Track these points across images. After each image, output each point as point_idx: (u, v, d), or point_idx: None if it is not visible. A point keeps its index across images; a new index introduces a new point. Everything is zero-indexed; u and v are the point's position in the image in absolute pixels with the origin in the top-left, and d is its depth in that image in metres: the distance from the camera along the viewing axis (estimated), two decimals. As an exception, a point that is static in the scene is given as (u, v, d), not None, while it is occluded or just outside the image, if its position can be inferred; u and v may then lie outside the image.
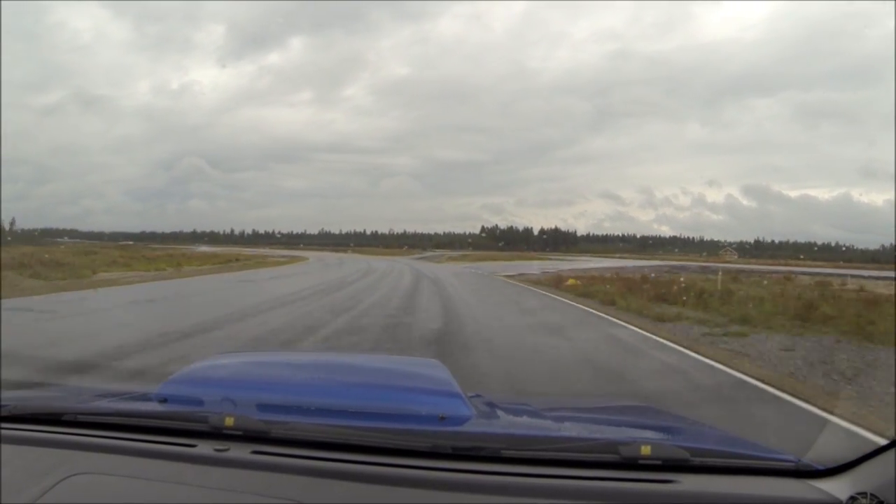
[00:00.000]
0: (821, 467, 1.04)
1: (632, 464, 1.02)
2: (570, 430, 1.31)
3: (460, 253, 51.86)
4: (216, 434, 1.12)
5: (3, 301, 9.76)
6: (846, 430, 3.58)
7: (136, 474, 1.03)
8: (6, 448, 1.12)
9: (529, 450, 1.07)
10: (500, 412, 1.38)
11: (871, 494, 0.93)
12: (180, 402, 1.25)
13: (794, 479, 1.03)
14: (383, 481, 1.00)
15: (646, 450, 1.02)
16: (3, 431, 1.19)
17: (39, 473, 1.01)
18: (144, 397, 1.36)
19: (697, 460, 1.03)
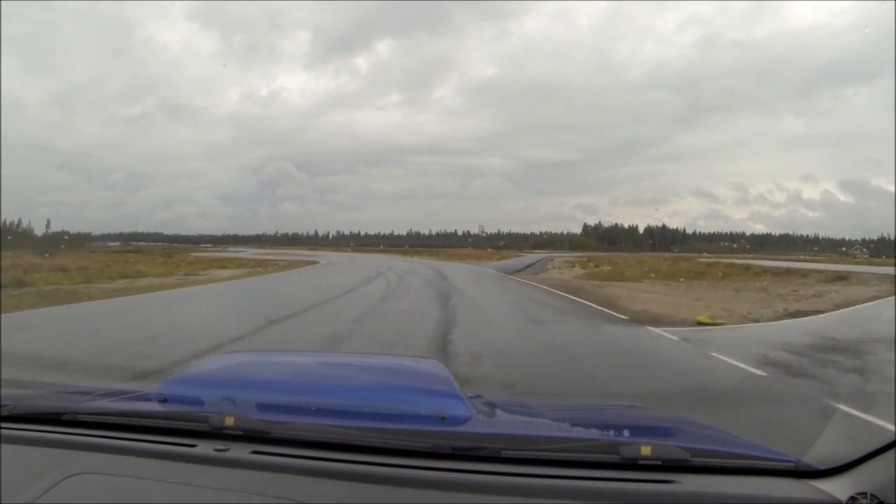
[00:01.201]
0: (821, 467, 1.04)
1: (632, 464, 1.02)
2: (570, 430, 1.31)
3: (567, 256, 39.38)
4: (216, 434, 1.12)
5: None
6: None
7: (136, 474, 1.03)
8: (6, 448, 1.12)
9: (529, 450, 1.07)
10: (500, 412, 1.38)
11: (871, 494, 0.93)
12: (180, 402, 1.25)
13: (794, 480, 1.03)
14: (383, 481, 0.99)
15: (646, 450, 1.02)
16: (3, 431, 1.19)
17: (39, 473, 1.01)
18: (144, 397, 1.36)
19: (697, 460, 1.03)
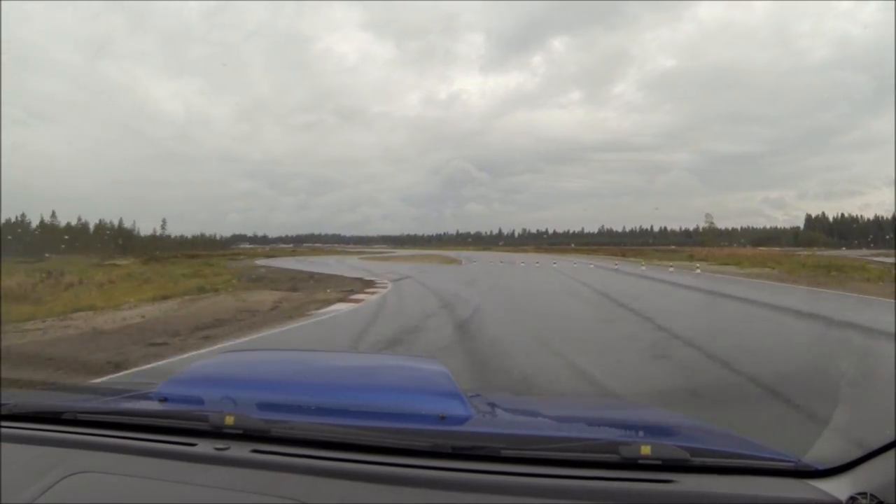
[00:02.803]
0: (821, 467, 1.04)
1: (632, 464, 1.02)
2: (570, 429, 1.31)
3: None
4: (216, 433, 1.12)
5: None
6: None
7: (136, 473, 1.03)
8: (6, 446, 1.12)
9: (529, 450, 1.07)
10: (500, 412, 1.38)
11: (871, 495, 0.93)
12: (180, 401, 1.25)
13: (794, 480, 1.03)
14: (383, 480, 1.00)
15: (646, 450, 1.02)
16: (3, 430, 1.19)
17: (39, 472, 1.01)
18: (145, 396, 1.36)
19: (697, 460, 1.03)
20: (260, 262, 35.61)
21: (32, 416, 1.25)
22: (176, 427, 1.16)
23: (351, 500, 0.95)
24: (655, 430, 1.38)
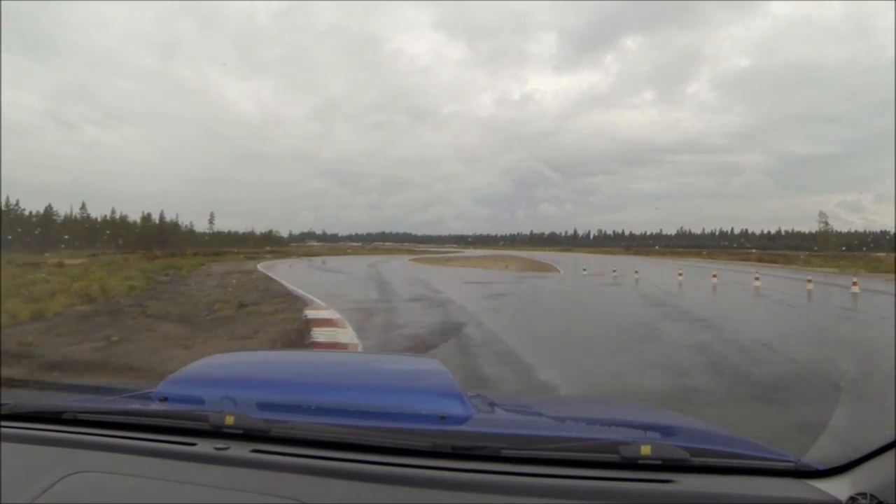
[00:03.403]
0: (820, 467, 1.04)
1: (632, 464, 1.02)
2: (570, 429, 1.31)
3: None
4: (216, 433, 1.12)
5: None
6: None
7: (136, 473, 1.03)
8: (6, 446, 1.12)
9: (529, 449, 1.07)
10: (500, 412, 1.38)
11: (871, 495, 0.93)
12: (180, 401, 1.25)
13: (794, 480, 1.03)
14: (383, 480, 1.00)
15: (646, 450, 1.02)
16: (3, 430, 1.19)
17: (39, 472, 1.01)
18: (145, 396, 1.36)
19: (697, 460, 1.03)
20: (266, 263, 31.84)
21: (32, 416, 1.25)
22: (176, 427, 1.16)
23: (351, 499, 0.95)
24: (655, 430, 1.38)
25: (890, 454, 1.00)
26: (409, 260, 36.34)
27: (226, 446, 1.08)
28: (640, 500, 0.96)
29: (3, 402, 1.28)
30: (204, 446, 1.10)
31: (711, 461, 1.05)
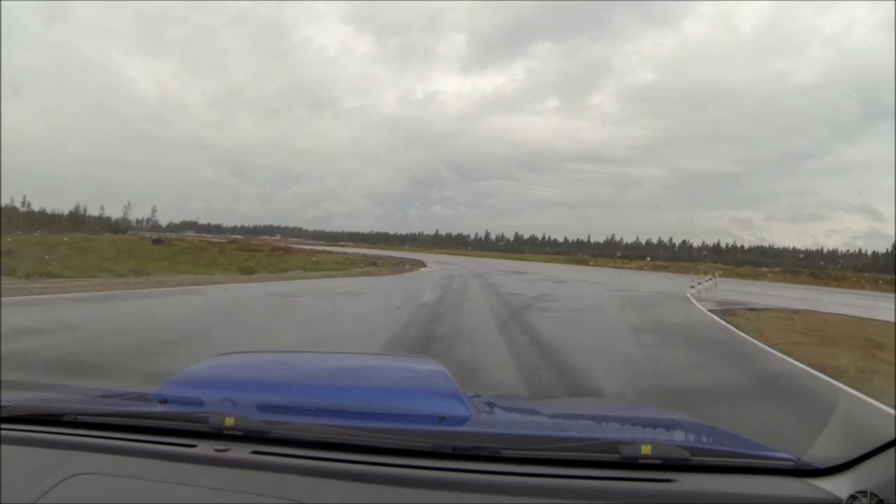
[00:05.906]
0: (821, 466, 1.04)
1: (632, 463, 1.02)
2: (570, 429, 1.31)
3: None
4: (216, 434, 1.12)
5: None
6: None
7: (136, 474, 1.03)
8: (6, 449, 1.12)
9: (529, 450, 1.07)
10: (499, 412, 1.38)
11: (871, 493, 0.93)
12: (180, 403, 1.25)
13: (794, 478, 1.03)
14: (383, 481, 1.00)
15: (646, 449, 1.02)
16: (4, 432, 1.19)
17: (40, 474, 1.01)
18: (145, 398, 1.36)
19: (697, 460, 1.03)
20: None
21: (33, 418, 1.25)
22: (176, 429, 1.16)
23: (351, 500, 0.95)
24: (655, 430, 1.38)
25: (890, 452, 1.00)
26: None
27: (226, 448, 1.08)
28: (641, 500, 0.96)
29: (3, 403, 1.28)
30: (204, 448, 1.09)
31: (712, 460, 1.05)
